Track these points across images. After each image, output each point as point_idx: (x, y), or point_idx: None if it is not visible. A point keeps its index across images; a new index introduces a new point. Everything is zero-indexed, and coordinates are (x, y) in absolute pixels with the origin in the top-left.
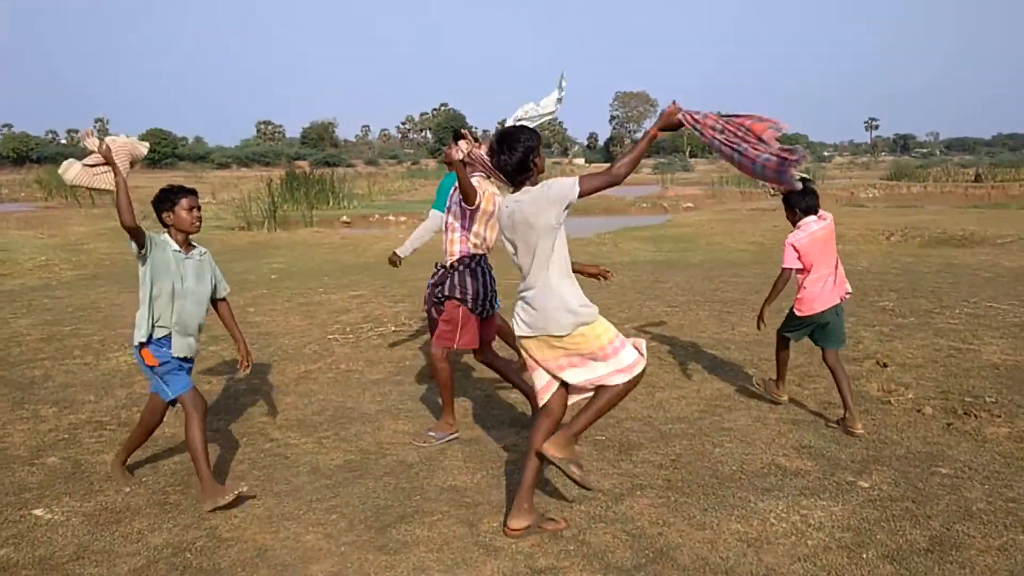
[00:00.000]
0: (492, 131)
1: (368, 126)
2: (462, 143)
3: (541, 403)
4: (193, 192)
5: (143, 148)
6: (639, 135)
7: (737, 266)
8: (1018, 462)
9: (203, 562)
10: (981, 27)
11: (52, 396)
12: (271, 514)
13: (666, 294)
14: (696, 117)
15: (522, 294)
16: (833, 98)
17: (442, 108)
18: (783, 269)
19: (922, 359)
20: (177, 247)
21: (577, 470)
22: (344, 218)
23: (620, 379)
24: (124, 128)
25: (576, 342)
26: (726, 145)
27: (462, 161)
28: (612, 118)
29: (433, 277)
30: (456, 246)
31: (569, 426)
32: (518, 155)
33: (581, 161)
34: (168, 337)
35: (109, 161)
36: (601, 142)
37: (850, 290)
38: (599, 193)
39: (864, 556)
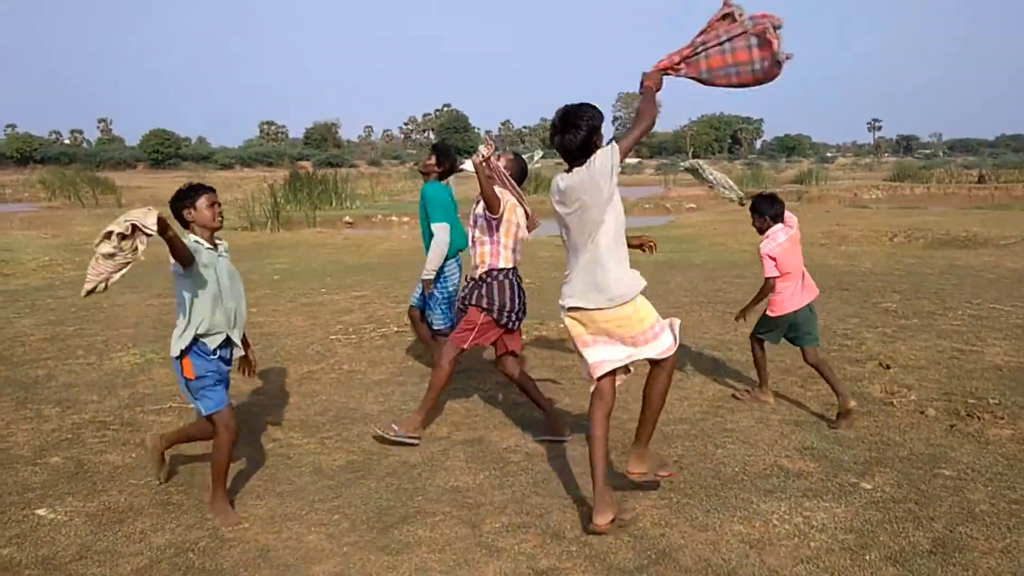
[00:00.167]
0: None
1: (371, 127)
2: (482, 148)
3: (596, 376)
4: (212, 189)
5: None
6: None
7: (740, 267)
8: (1021, 464)
9: (205, 562)
10: (985, 28)
11: (55, 396)
12: (274, 514)
13: (669, 295)
14: (675, 61)
15: (576, 268)
16: (836, 99)
17: (445, 109)
18: (766, 279)
19: (925, 360)
20: (209, 245)
21: (665, 473)
22: (347, 218)
23: (658, 353)
24: (127, 128)
25: (626, 315)
26: (717, 65)
27: (485, 163)
28: (615, 119)
29: (463, 290)
30: (487, 258)
31: (639, 440)
32: (583, 134)
33: None
34: (210, 345)
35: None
36: (604, 143)
37: (816, 290)
38: None
39: (867, 558)
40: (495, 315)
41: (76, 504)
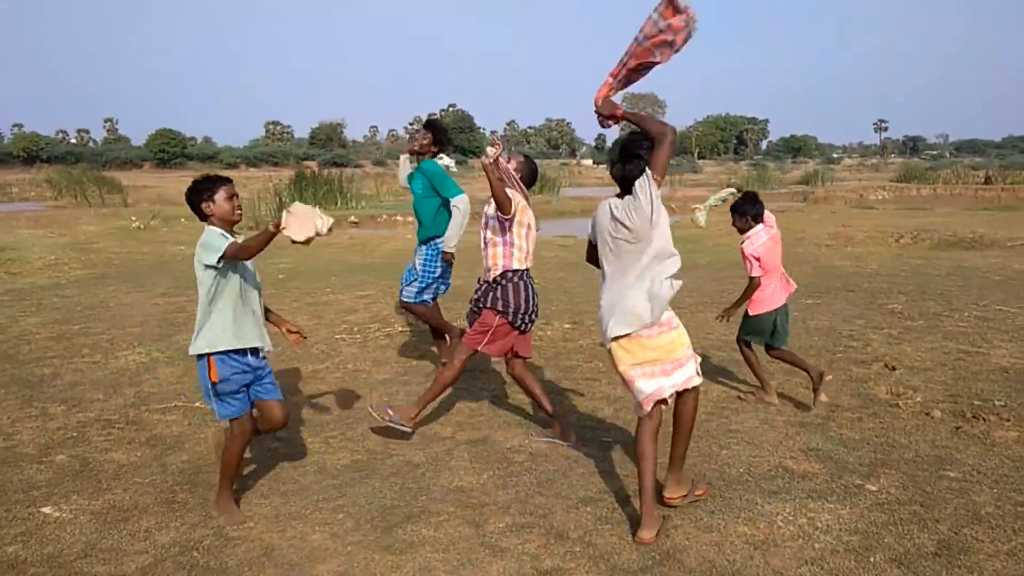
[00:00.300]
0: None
1: (376, 127)
2: (490, 149)
3: (648, 407)
4: (229, 180)
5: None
6: None
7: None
8: None
9: (210, 561)
10: (991, 28)
11: (61, 394)
12: (278, 513)
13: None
14: (610, 84)
15: (618, 293)
16: (842, 100)
17: (450, 109)
18: (751, 278)
19: (931, 362)
20: (232, 240)
21: (700, 492)
22: (352, 218)
23: (685, 379)
24: (133, 127)
25: (670, 340)
26: (638, 53)
27: (494, 163)
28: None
29: (476, 293)
30: (500, 260)
31: (673, 464)
32: (643, 164)
33: (589, 162)
34: (237, 350)
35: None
36: (609, 143)
37: (795, 285)
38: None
39: (872, 560)
40: (510, 318)
41: (81, 502)
